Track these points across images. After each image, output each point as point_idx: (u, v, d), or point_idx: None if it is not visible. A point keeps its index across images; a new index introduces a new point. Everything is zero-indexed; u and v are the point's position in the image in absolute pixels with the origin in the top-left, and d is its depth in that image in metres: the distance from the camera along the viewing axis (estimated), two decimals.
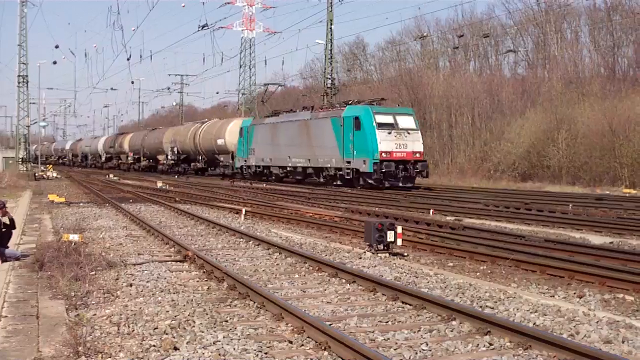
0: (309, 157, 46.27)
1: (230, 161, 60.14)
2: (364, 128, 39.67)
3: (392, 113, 40.83)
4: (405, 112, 42.72)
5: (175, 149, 73.12)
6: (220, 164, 63.97)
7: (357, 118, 40.36)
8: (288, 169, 49.67)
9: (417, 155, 39.82)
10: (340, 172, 42.49)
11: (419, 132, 40.97)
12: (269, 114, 55.82)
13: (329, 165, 43.83)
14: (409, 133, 39.82)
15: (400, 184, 38.80)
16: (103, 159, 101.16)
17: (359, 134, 40.06)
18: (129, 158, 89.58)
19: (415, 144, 40.02)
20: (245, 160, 55.30)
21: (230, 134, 59.55)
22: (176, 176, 66.02)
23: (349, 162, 41.22)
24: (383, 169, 38.68)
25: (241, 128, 56.35)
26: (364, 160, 39.60)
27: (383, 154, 38.76)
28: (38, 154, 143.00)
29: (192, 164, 70.79)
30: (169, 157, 75.13)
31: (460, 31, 70.40)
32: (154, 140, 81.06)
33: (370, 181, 39.65)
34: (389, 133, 39.12)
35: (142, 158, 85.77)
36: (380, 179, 39.07)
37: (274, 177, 51.62)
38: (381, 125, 39.22)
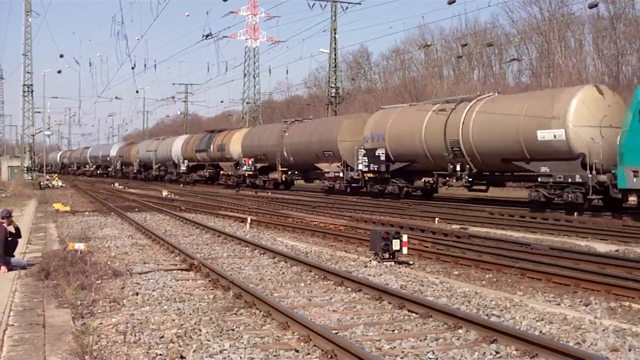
0: None
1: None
2: None
3: None
4: None
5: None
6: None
7: None
8: None
9: None
10: None
11: None
12: None
13: None
14: None
15: None
16: (183, 168, 72.49)
17: None
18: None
19: None
20: None
21: None
22: (181, 184, 66.13)
23: None
24: None
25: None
26: None
27: None
28: (61, 161, 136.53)
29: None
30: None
31: (464, 40, 70.46)
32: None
33: None
34: None
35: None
36: None
37: None
38: None
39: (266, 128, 59.26)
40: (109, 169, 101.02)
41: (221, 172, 63.66)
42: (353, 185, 42.51)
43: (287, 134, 50.15)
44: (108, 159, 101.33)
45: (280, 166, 51.36)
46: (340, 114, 58.95)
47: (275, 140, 51.35)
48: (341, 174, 43.49)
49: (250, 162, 55.28)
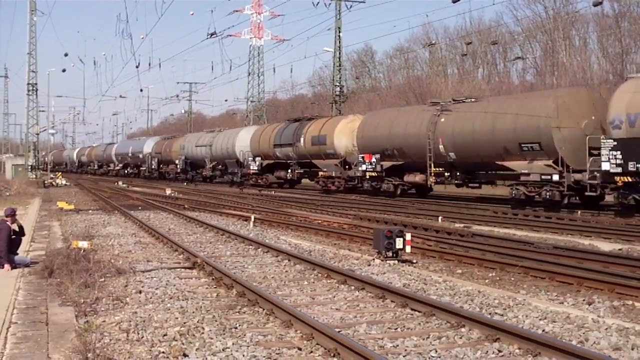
0: None
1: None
2: None
3: None
4: None
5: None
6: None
7: None
8: None
9: None
10: None
11: None
12: None
13: None
14: None
15: None
16: (254, 167, 56.78)
17: None
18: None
19: None
20: None
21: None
22: (185, 184, 66.08)
23: None
24: None
25: None
26: None
27: None
28: (78, 159, 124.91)
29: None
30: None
31: (468, 38, 70.37)
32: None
33: None
34: None
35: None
36: None
37: None
38: None
39: (400, 113, 41.64)
40: (142, 169, 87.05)
41: (320, 172, 46.83)
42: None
43: (443, 120, 35.04)
44: (140, 156, 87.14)
45: (433, 165, 35.87)
46: (344, 113, 58.63)
47: (423, 129, 35.96)
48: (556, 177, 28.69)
49: (373, 160, 40.23)
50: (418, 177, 37.38)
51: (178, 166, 73.56)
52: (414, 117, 37.70)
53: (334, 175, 44.99)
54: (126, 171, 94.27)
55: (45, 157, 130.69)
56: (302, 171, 51.32)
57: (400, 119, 39.08)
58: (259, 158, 55.90)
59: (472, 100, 35.56)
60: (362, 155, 40.61)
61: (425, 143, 35.27)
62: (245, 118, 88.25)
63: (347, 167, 43.74)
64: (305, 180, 53.66)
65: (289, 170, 52.17)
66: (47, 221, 26.09)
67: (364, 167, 40.52)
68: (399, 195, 38.56)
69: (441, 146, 34.60)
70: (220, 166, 64.59)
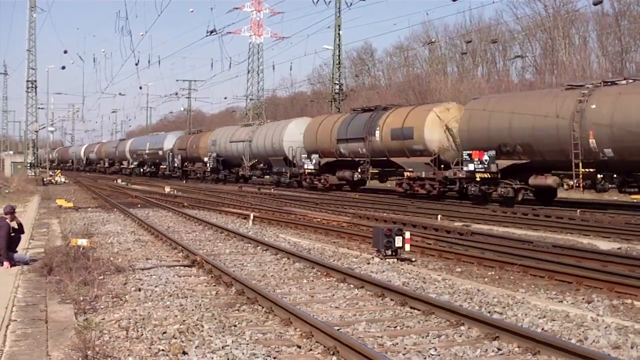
0: None
1: None
2: None
3: None
4: None
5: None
6: None
7: None
8: None
9: None
10: None
11: None
12: None
13: None
14: None
15: None
16: (309, 166, 47.75)
17: None
18: None
19: None
20: None
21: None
22: (181, 182, 66.07)
23: None
24: None
25: None
26: None
27: None
28: (86, 156, 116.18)
29: None
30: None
31: (468, 37, 70.38)
32: None
33: None
34: None
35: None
36: None
37: None
38: None
39: (526, 98, 32.87)
40: (162, 167, 78.84)
41: (405, 173, 38.02)
42: None
43: (594, 106, 27.49)
44: (160, 153, 78.72)
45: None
46: (343, 111, 58.59)
47: (564, 118, 28.36)
48: None
49: (485, 158, 32.26)
50: (550, 180, 29.78)
51: (208, 164, 64.20)
52: (547, 104, 29.70)
53: (423, 176, 36.34)
54: (142, 169, 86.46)
55: (49, 155, 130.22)
56: (376, 171, 42.07)
57: (527, 106, 30.55)
58: (316, 155, 46.44)
59: (631, 80, 28.60)
60: (468, 152, 32.74)
61: (567, 136, 27.86)
62: (245, 116, 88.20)
63: (441, 166, 35.53)
64: (373, 182, 45.32)
65: (359, 170, 42.45)
66: (46, 219, 26.09)
67: (471, 166, 32.54)
68: (519, 203, 31.05)
69: (592, 140, 27.13)
70: (261, 165, 55.91)
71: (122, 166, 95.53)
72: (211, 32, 61.21)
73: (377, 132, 39.67)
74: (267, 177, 57.78)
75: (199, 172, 68.29)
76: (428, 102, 51.31)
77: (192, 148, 69.39)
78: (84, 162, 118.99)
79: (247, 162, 57.06)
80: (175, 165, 73.13)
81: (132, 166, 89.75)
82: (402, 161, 37.98)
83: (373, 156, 40.45)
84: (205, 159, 65.02)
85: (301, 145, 48.86)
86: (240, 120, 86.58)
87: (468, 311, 10.00)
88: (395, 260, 15.63)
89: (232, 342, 8.73)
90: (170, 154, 74.59)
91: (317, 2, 61.54)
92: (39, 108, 68.99)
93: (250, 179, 59.22)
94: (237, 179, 60.36)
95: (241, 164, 58.51)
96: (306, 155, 47.79)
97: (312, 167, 46.99)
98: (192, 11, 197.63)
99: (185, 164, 71.77)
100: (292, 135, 50.63)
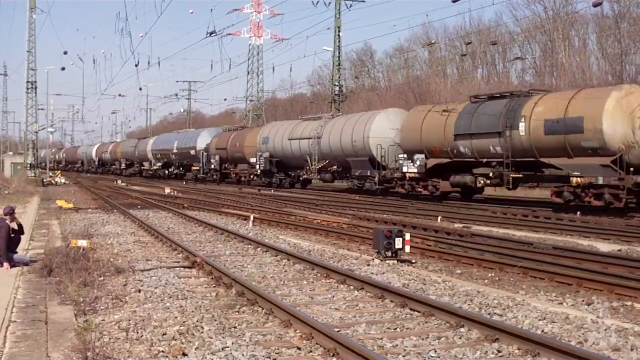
0: None
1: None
2: None
3: None
4: None
5: None
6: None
7: None
8: None
9: None
10: None
11: None
12: None
13: None
14: None
15: None
16: (411, 168, 38.13)
17: None
18: None
19: None
20: None
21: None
22: (183, 183, 65.97)
23: None
24: None
25: None
26: None
27: None
28: (98, 157, 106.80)
29: None
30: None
31: (468, 38, 70.41)
32: None
33: None
34: None
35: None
36: None
37: None
38: None
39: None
40: (194, 168, 69.90)
41: (573, 178, 28.52)
42: None
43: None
44: (192, 153, 69.64)
45: None
46: (343, 113, 58.47)
47: None
48: None
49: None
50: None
51: (258, 166, 54.43)
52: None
53: (601, 182, 27.23)
54: (167, 172, 77.64)
55: (55, 155, 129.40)
56: (519, 175, 32.51)
57: None
58: (421, 156, 36.91)
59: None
60: None
61: None
62: (245, 117, 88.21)
63: (630, 169, 26.83)
64: (499, 191, 38.00)
65: (490, 174, 33.30)
66: (46, 220, 26.08)
67: None
68: None
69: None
70: (334, 167, 45.66)
71: (142, 167, 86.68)
72: (211, 33, 61.23)
73: (522, 125, 30.51)
74: (341, 182, 48.57)
75: (244, 175, 58.66)
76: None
77: (235, 147, 59.42)
78: (96, 163, 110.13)
79: (315, 163, 46.96)
80: (212, 166, 63.54)
81: (155, 167, 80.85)
82: (560, 162, 29.18)
83: (515, 155, 31.37)
84: (252, 160, 55.83)
85: (393, 142, 39.96)
86: (240, 122, 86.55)
87: (468, 313, 10.00)
88: (395, 261, 15.63)
89: (232, 343, 8.73)
90: (205, 154, 65.22)
91: (317, 4, 61.77)
92: (38, 109, 69.01)
93: (310, 183, 53.40)
94: (297, 184, 53.31)
95: (304, 166, 48.79)
96: (405, 156, 37.99)
97: (416, 171, 37.42)
98: (192, 12, 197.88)
99: (226, 165, 62.44)
100: (380, 130, 40.86)
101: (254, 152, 55.79)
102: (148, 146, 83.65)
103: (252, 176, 57.06)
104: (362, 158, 41.83)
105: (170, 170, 77.22)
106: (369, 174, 41.28)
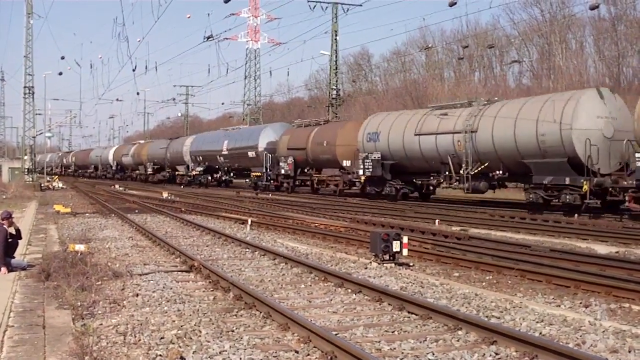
0: None
1: None
2: None
3: None
4: None
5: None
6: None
7: None
8: None
9: None
10: None
11: None
12: None
13: None
14: None
15: None
16: None
17: None
18: None
19: None
20: None
21: None
22: (182, 186, 65.74)
23: None
24: None
25: None
26: None
27: None
28: (116, 160, 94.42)
29: None
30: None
31: (465, 42, 70.46)
32: None
33: None
34: None
35: None
36: None
37: None
38: None
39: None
40: (254, 174, 54.86)
41: None
42: None
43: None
44: (251, 155, 55.50)
45: None
46: (340, 117, 58.34)
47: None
48: None
49: None
50: None
51: (362, 171, 39.99)
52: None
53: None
54: (213, 177, 65.18)
55: (62, 159, 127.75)
56: None
57: None
58: None
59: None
60: None
61: None
62: (242, 121, 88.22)
63: None
64: None
65: None
66: (44, 224, 26.05)
67: None
68: None
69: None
70: (499, 172, 32.31)
71: (177, 172, 73.42)
72: (208, 37, 61.27)
73: None
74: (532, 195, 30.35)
75: (334, 182, 46.07)
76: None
77: (320, 146, 45.72)
78: (114, 167, 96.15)
79: (468, 167, 33.32)
80: (282, 172, 50.00)
81: (195, 173, 67.21)
82: None
83: None
84: (346, 164, 43.02)
85: (607, 135, 27.98)
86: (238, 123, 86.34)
87: (466, 315, 10.00)
88: (393, 264, 15.62)
89: (230, 347, 8.73)
90: (270, 156, 51.95)
91: (314, 8, 61.70)
92: (36, 114, 68.91)
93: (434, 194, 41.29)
94: (426, 197, 39.73)
95: (441, 171, 35.20)
96: None
97: None
98: (189, 17, 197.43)
99: (306, 169, 48.80)
100: (588, 117, 28.23)
101: (351, 153, 42.63)
102: (185, 147, 70.62)
103: (346, 184, 43.65)
104: (555, 159, 28.87)
105: (216, 176, 64.60)
106: (567, 182, 28.14)
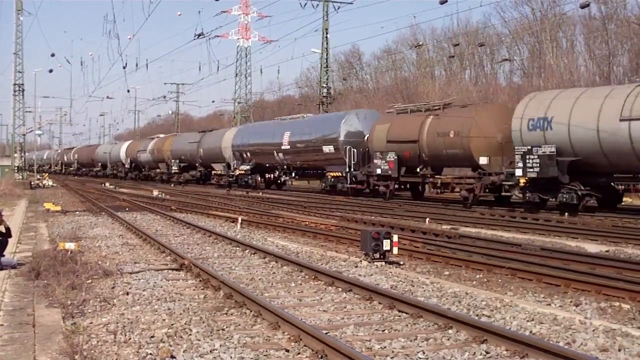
0: None
1: None
2: None
3: None
4: None
5: None
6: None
7: None
8: None
9: None
10: None
11: None
12: None
13: None
14: None
15: None
16: None
17: None
18: None
19: None
20: None
21: None
22: (172, 185, 65.56)
23: None
24: None
25: None
26: None
27: None
28: (130, 158, 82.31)
29: None
30: None
31: (455, 40, 70.52)
32: None
33: None
34: None
35: None
36: None
37: None
38: None
39: None
40: (332, 174, 44.36)
41: None
42: None
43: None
44: (327, 150, 44.36)
45: None
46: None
47: None
48: None
49: None
50: None
51: (525, 171, 28.37)
52: None
53: None
54: (261, 178, 54.40)
55: (62, 157, 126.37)
56: None
57: None
58: None
59: None
60: None
61: None
62: (233, 119, 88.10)
63: None
64: None
65: None
66: (34, 222, 25.98)
67: None
68: None
69: None
70: None
71: (213, 172, 62.60)
72: (199, 35, 61.15)
73: None
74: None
75: (465, 187, 33.06)
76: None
77: (446, 138, 33.96)
78: (128, 166, 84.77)
79: None
80: (379, 172, 38.20)
81: (240, 172, 55.19)
82: None
83: None
84: (483, 161, 32.12)
85: None
86: (229, 124, 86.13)
87: (456, 314, 10.01)
88: (383, 263, 15.62)
89: (220, 345, 8.71)
90: (354, 150, 41.56)
91: (304, 6, 61.68)
92: (26, 111, 68.74)
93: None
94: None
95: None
96: None
97: None
98: (179, 14, 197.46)
99: (418, 169, 36.51)
100: None
101: (491, 147, 32.12)
102: (224, 141, 58.83)
103: (483, 189, 32.07)
104: None
105: (273, 175, 53.24)
106: None
